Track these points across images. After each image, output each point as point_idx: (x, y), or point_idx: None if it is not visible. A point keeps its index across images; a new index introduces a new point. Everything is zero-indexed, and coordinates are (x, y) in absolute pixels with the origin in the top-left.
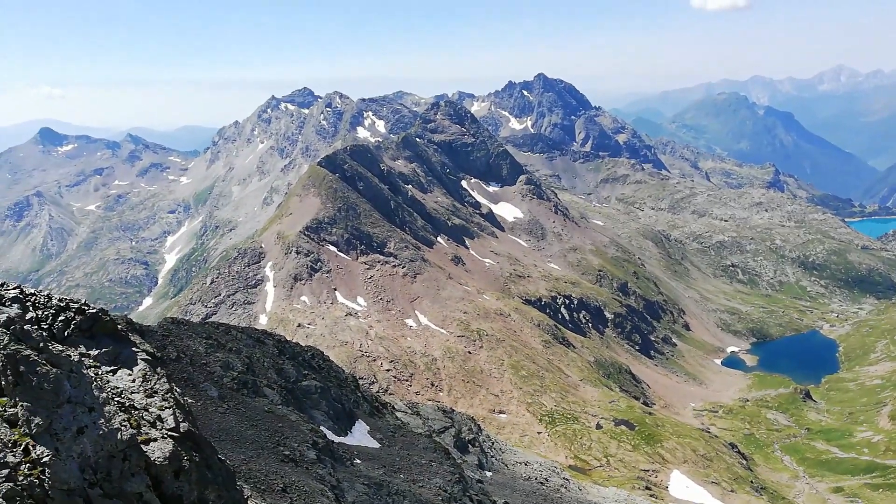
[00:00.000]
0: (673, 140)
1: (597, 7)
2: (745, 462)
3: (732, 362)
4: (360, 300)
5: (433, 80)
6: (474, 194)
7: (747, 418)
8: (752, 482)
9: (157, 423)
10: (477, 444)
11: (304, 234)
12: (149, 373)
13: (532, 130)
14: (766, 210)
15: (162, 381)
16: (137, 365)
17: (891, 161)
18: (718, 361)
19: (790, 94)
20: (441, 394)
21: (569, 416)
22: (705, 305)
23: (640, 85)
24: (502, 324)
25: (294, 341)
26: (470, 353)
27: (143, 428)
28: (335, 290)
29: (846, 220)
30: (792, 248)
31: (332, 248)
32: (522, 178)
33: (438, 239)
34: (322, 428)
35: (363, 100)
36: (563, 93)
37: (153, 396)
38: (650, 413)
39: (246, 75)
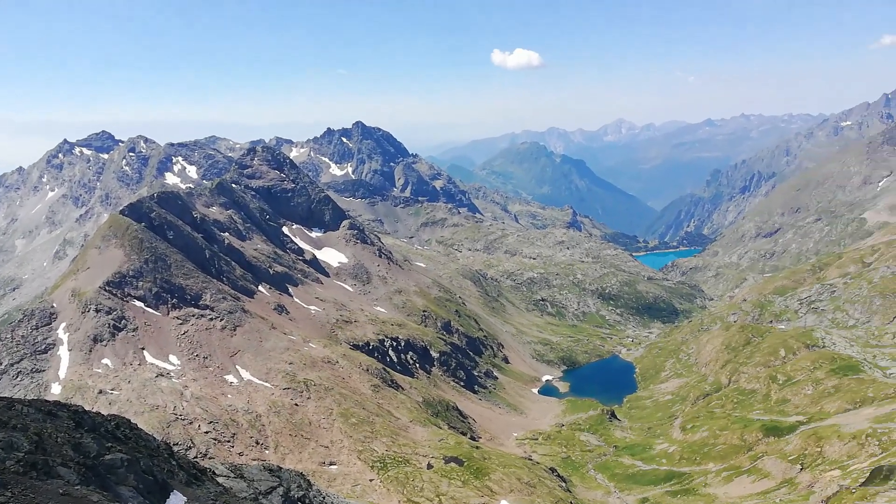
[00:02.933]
0: (484, 185)
1: (407, 62)
2: (564, 484)
3: (548, 390)
4: (173, 358)
5: (248, 125)
6: (297, 240)
7: (563, 442)
8: (571, 503)
9: None
10: (307, 500)
11: (105, 290)
12: None
13: (353, 176)
14: (568, 248)
15: None
16: None
17: (665, 202)
18: (535, 390)
19: (581, 144)
20: (267, 452)
21: (400, 460)
22: (521, 338)
23: (451, 134)
24: (330, 372)
25: (94, 411)
26: (297, 405)
27: None
28: (143, 349)
29: (634, 254)
30: (591, 281)
31: (138, 303)
32: (345, 223)
33: (260, 288)
34: None
35: (172, 144)
36: (382, 140)
37: None
38: (477, 447)
39: (29, 116)
